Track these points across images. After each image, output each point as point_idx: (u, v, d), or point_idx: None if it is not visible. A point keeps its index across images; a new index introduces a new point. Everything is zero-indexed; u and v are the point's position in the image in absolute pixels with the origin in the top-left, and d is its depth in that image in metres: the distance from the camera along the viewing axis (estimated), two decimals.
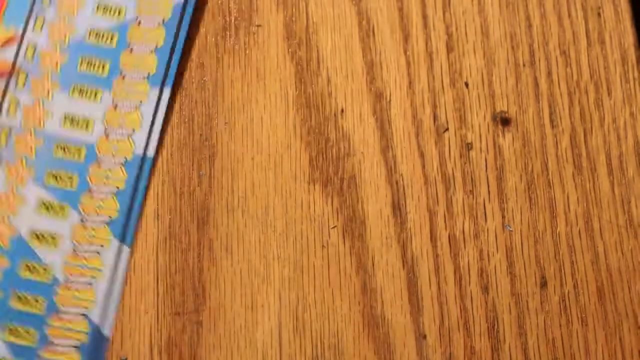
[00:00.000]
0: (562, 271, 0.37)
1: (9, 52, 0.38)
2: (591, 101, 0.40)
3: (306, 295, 0.37)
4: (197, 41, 0.40)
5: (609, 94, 0.40)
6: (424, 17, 0.41)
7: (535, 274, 0.37)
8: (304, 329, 0.36)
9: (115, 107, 0.38)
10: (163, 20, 0.39)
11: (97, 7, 0.39)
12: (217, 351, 0.36)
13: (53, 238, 0.36)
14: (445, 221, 0.38)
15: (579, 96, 0.40)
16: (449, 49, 0.40)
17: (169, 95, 0.38)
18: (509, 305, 0.37)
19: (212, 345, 0.36)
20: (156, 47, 0.38)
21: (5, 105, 0.37)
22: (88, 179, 0.37)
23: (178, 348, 0.36)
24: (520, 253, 0.38)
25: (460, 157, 0.39)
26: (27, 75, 0.38)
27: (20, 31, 0.38)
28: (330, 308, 0.37)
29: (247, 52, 0.40)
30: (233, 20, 0.41)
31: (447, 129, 0.39)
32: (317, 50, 0.40)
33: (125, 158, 0.37)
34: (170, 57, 0.38)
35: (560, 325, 0.37)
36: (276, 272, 0.37)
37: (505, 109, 0.40)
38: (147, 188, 0.37)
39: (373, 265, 0.37)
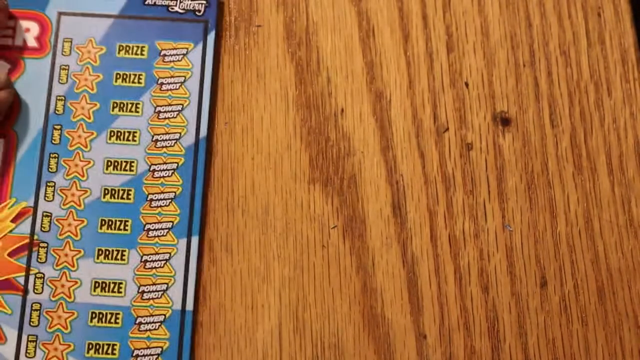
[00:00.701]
0: (562, 271, 0.37)
1: (25, 226, 0.37)
2: (591, 101, 0.40)
3: (306, 295, 0.37)
4: None
5: (609, 94, 0.40)
6: (424, 17, 0.41)
7: (535, 273, 0.37)
8: (304, 329, 0.36)
9: (145, 264, 0.36)
10: (177, 166, 0.38)
11: (107, 165, 0.37)
12: (217, 351, 0.36)
13: None
14: (445, 221, 0.38)
15: (579, 96, 0.40)
16: (449, 49, 0.40)
17: (197, 244, 0.37)
18: (509, 305, 0.37)
19: (212, 345, 0.36)
20: (175, 195, 0.37)
21: (30, 282, 0.36)
22: (130, 345, 0.35)
23: None
24: (521, 253, 0.38)
25: (461, 157, 0.39)
26: (47, 247, 0.36)
27: (31, 202, 0.37)
28: (330, 308, 0.37)
29: (247, 52, 0.40)
30: (233, 21, 0.41)
31: (447, 129, 0.39)
32: (317, 51, 0.40)
33: (164, 315, 0.36)
34: (192, 203, 0.37)
35: (560, 325, 0.37)
36: (276, 272, 0.37)
37: (506, 109, 0.40)
38: (192, 340, 0.36)
39: (373, 265, 0.37)
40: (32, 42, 0.39)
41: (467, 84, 0.40)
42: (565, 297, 0.37)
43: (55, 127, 0.38)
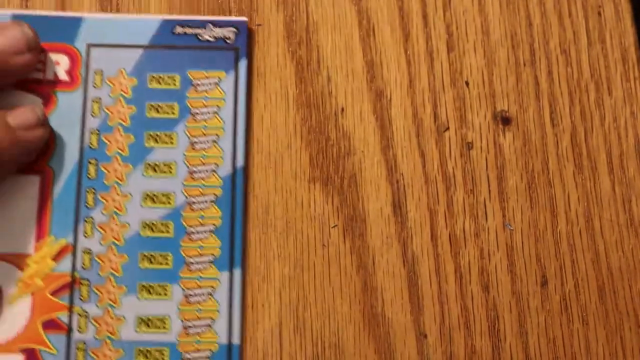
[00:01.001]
0: (563, 270, 0.37)
1: (65, 264, 0.36)
2: (592, 100, 0.40)
3: (306, 294, 0.37)
4: None
5: (610, 93, 0.40)
6: (424, 16, 0.41)
7: (535, 272, 0.37)
8: (304, 328, 0.36)
9: (187, 298, 0.36)
10: (215, 198, 0.37)
11: (144, 198, 0.37)
12: None
13: None
14: (445, 220, 0.38)
15: (580, 95, 0.40)
16: (450, 48, 0.40)
17: (240, 277, 0.36)
18: (510, 304, 0.37)
19: None
20: (215, 227, 0.37)
21: (74, 321, 0.35)
22: None
23: None
24: (521, 252, 0.38)
25: (461, 156, 0.39)
26: (89, 284, 0.36)
27: (71, 239, 0.36)
28: (330, 307, 0.37)
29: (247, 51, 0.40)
30: None
31: (447, 128, 0.39)
32: (318, 50, 0.40)
33: (211, 350, 0.35)
34: (232, 235, 0.36)
35: (561, 324, 0.37)
36: (276, 271, 0.37)
37: (506, 108, 0.40)
38: None
39: (373, 264, 0.37)
40: (63, 76, 0.38)
41: (467, 83, 0.40)
42: (566, 296, 0.37)
43: (91, 161, 0.37)
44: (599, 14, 0.41)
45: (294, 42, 0.40)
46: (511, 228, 0.38)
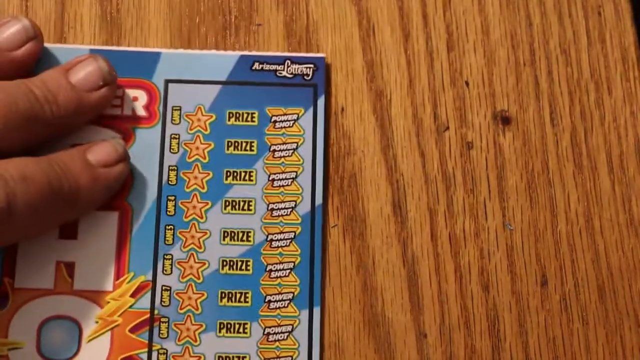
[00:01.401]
0: (563, 270, 0.37)
1: (144, 301, 0.36)
2: (592, 100, 0.40)
3: None
4: (197, 40, 0.40)
5: (610, 92, 0.40)
6: (424, 16, 0.41)
7: (535, 272, 0.37)
8: None
9: (267, 337, 0.35)
10: (294, 235, 0.37)
11: (223, 235, 0.36)
12: None
13: None
14: (445, 220, 0.38)
15: (580, 95, 0.40)
16: (450, 48, 0.40)
17: (319, 315, 0.36)
18: (510, 304, 0.37)
19: None
20: (294, 265, 0.36)
21: (154, 359, 0.35)
22: None
23: None
24: (521, 252, 0.38)
25: (461, 156, 0.39)
26: (168, 321, 0.35)
27: (150, 276, 0.36)
28: (330, 306, 0.37)
29: (248, 51, 0.40)
30: (233, 20, 0.41)
31: (447, 128, 0.39)
32: (318, 49, 0.40)
33: None
34: (311, 273, 0.36)
35: (560, 324, 0.37)
36: None
37: (506, 108, 0.40)
38: None
39: (373, 264, 0.37)
40: (141, 112, 0.38)
41: (467, 83, 0.40)
42: (566, 295, 0.37)
43: (169, 198, 0.37)
44: (599, 14, 0.41)
45: (294, 41, 0.40)
46: (511, 228, 0.38)
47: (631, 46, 0.40)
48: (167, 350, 0.35)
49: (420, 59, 0.40)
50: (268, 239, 0.37)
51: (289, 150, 0.38)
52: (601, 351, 0.36)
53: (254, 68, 0.39)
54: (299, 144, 0.38)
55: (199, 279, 0.36)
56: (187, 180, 0.37)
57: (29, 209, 0.32)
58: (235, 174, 0.37)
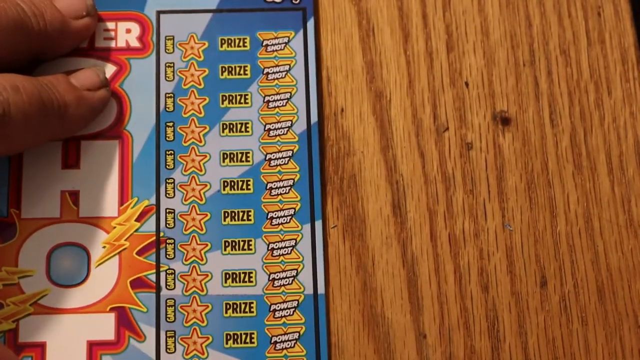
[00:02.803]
0: (562, 270, 0.37)
1: (149, 224, 0.37)
2: (591, 101, 0.40)
3: None
4: None
5: (609, 93, 0.40)
6: (424, 16, 0.41)
7: (535, 273, 0.37)
8: None
9: (272, 252, 0.36)
10: (292, 153, 0.38)
11: (223, 157, 0.38)
12: None
13: None
14: (445, 220, 0.38)
15: (579, 96, 0.40)
16: (449, 49, 0.40)
17: (322, 228, 0.37)
18: (509, 305, 0.37)
19: None
20: (294, 182, 0.37)
21: (162, 279, 0.36)
22: (267, 332, 0.35)
23: None
24: (520, 252, 0.38)
25: (460, 156, 0.39)
26: (174, 243, 0.36)
27: (153, 200, 0.37)
28: (330, 307, 0.37)
29: None
30: None
31: (447, 129, 0.39)
32: (318, 50, 0.40)
33: (297, 301, 0.36)
34: (311, 189, 0.37)
35: (560, 325, 0.37)
36: None
37: (505, 109, 0.40)
38: (328, 324, 0.36)
39: (373, 264, 0.37)
40: (134, 43, 0.39)
41: (467, 84, 0.40)
42: (565, 296, 0.37)
43: (168, 124, 0.38)
44: (599, 14, 0.41)
45: None
46: (510, 228, 0.38)
47: (631, 47, 0.40)
48: (174, 270, 0.36)
49: (420, 60, 0.40)
50: (267, 159, 0.38)
51: (282, 72, 0.39)
52: (600, 352, 0.36)
53: None
54: (292, 65, 0.39)
55: (201, 200, 0.37)
56: (184, 106, 0.38)
57: (23, 117, 0.33)
58: (230, 97, 0.39)
